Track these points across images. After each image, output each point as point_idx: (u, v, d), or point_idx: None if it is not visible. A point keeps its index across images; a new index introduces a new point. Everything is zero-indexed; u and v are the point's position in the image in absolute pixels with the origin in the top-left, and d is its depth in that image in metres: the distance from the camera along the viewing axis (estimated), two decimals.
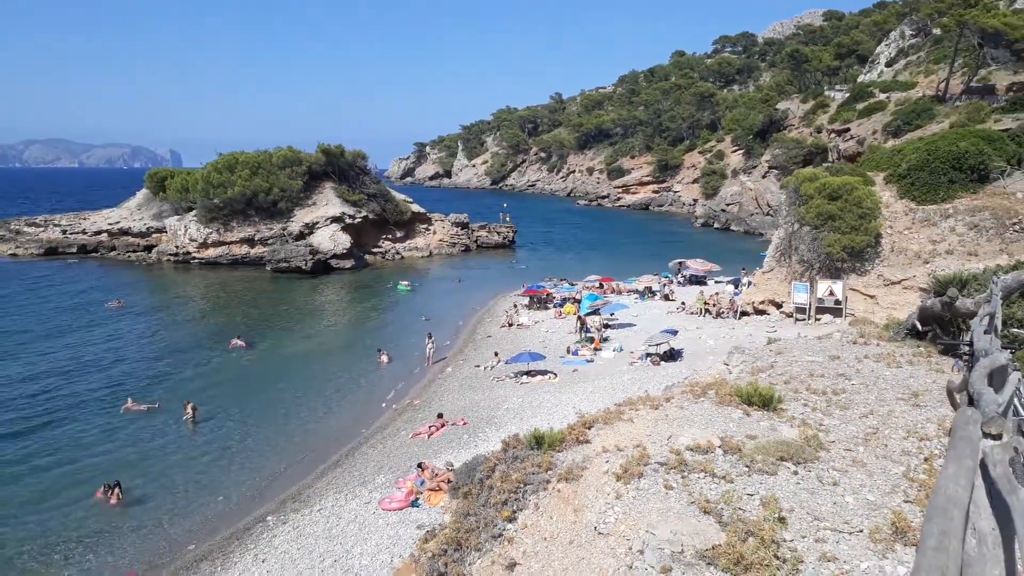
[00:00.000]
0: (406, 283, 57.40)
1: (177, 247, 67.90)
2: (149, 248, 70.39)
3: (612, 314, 41.00)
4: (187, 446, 25.38)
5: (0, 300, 49.45)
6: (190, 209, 69.48)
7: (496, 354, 34.31)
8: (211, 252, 67.00)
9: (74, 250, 71.23)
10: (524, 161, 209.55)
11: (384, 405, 29.55)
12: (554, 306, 45.77)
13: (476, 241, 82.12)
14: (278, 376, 33.46)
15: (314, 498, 20.59)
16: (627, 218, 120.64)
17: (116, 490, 20.74)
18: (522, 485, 9.39)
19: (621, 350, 34.31)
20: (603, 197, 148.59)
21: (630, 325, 39.56)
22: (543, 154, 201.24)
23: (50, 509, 20.52)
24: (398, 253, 74.67)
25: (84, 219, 78.18)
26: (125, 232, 72.75)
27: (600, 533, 8.03)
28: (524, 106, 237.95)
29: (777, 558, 7.01)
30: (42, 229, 77.04)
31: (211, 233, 67.19)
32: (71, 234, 74.38)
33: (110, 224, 74.09)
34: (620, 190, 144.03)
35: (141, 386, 31.37)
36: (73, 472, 22.94)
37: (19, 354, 36.31)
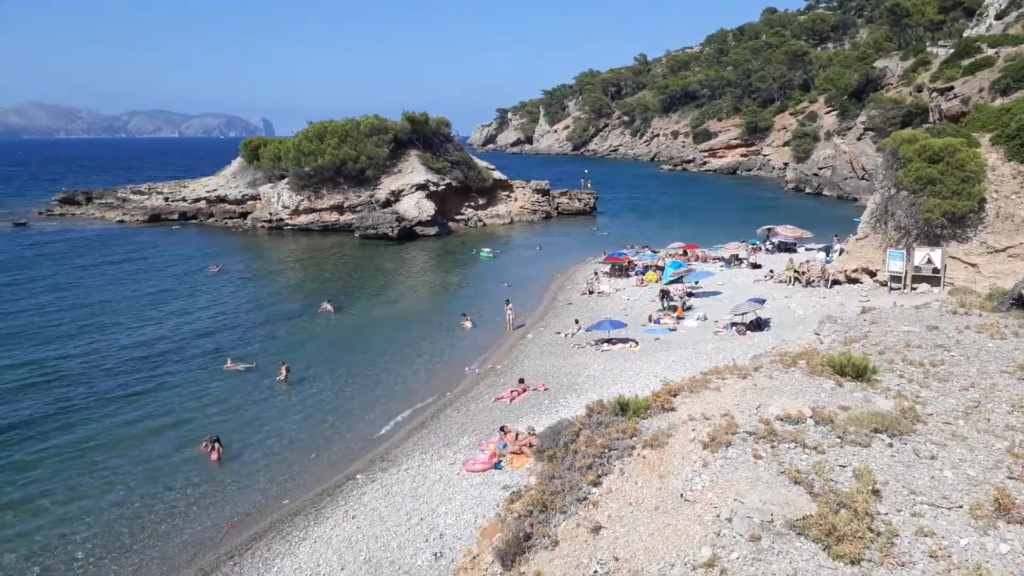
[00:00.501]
0: (488, 250, 57.89)
1: (271, 214, 70.42)
2: (244, 215, 73.30)
3: (696, 282, 40.29)
4: (281, 405, 26.59)
5: (110, 265, 52.60)
6: (282, 177, 71.76)
7: (576, 321, 34.33)
8: (303, 219, 69.20)
9: (175, 217, 74.90)
10: (607, 126, 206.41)
11: (467, 369, 30.09)
12: (636, 274, 45.30)
13: (557, 208, 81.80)
14: (366, 340, 34.50)
15: (401, 458, 21.27)
16: (713, 183, 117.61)
17: (217, 445, 21.95)
18: (607, 450, 9.46)
19: (705, 319, 33.76)
20: (688, 162, 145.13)
21: (715, 293, 38.82)
22: (626, 118, 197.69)
23: (157, 460, 21.92)
24: (480, 220, 75.18)
25: (184, 187, 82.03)
26: (222, 199, 75.92)
27: (686, 500, 8.04)
28: (607, 69, 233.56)
29: (871, 531, 6.87)
30: (146, 197, 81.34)
31: (302, 200, 69.33)
32: (173, 201, 78.25)
33: (208, 192, 77.46)
34: (706, 154, 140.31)
35: (239, 347, 32.93)
36: (177, 427, 24.40)
37: (129, 316, 38.68)
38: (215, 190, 77.40)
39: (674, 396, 10.80)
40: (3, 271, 49.71)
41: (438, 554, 15.76)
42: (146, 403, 26.39)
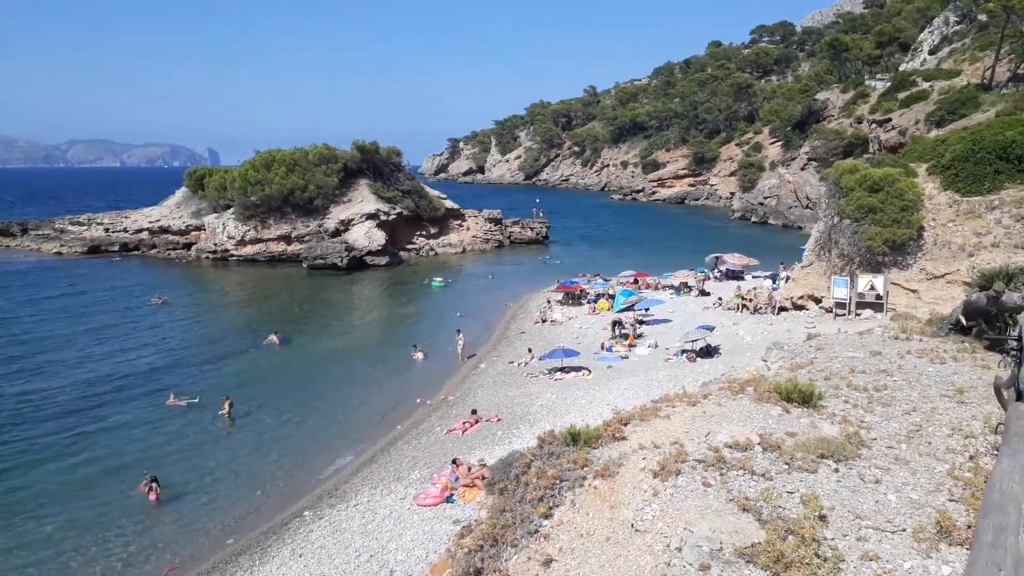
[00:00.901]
0: (440, 279, 57.65)
1: (216, 244, 69.03)
2: (188, 246, 71.65)
3: (647, 310, 40.70)
4: (226, 441, 25.82)
5: (46, 298, 50.71)
6: (228, 207, 70.52)
7: (530, 350, 34.29)
8: (249, 249, 67.99)
9: (116, 248, 72.80)
10: (558, 156, 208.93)
11: (419, 401, 29.70)
12: (588, 302, 45.57)
13: (509, 237, 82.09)
14: (314, 372, 33.84)
15: (350, 493, 20.79)
16: (662, 212, 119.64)
17: (155, 484, 21.13)
18: (558, 481, 9.34)
19: (656, 346, 34.05)
20: (638, 191, 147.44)
21: (665, 321, 39.23)
22: (577, 148, 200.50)
23: (92, 501, 21.01)
24: (432, 249, 74.95)
25: (125, 217, 79.81)
26: (165, 230, 74.10)
27: (637, 530, 7.96)
28: (558, 100, 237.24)
29: (818, 556, 6.88)
30: (85, 228, 78.84)
31: (249, 231, 68.19)
32: (113, 232, 76.03)
33: (151, 222, 75.52)
34: (655, 184, 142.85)
35: (183, 382, 31.96)
36: (116, 465, 23.45)
37: (65, 350, 37.25)
38: (158, 220, 75.49)
39: (625, 425, 10.77)
40: None
41: None
42: (85, 444, 25.29)
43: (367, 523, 18.62)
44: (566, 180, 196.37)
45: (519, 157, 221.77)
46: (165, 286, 55.84)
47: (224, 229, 69.00)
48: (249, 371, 34.24)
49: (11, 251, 74.25)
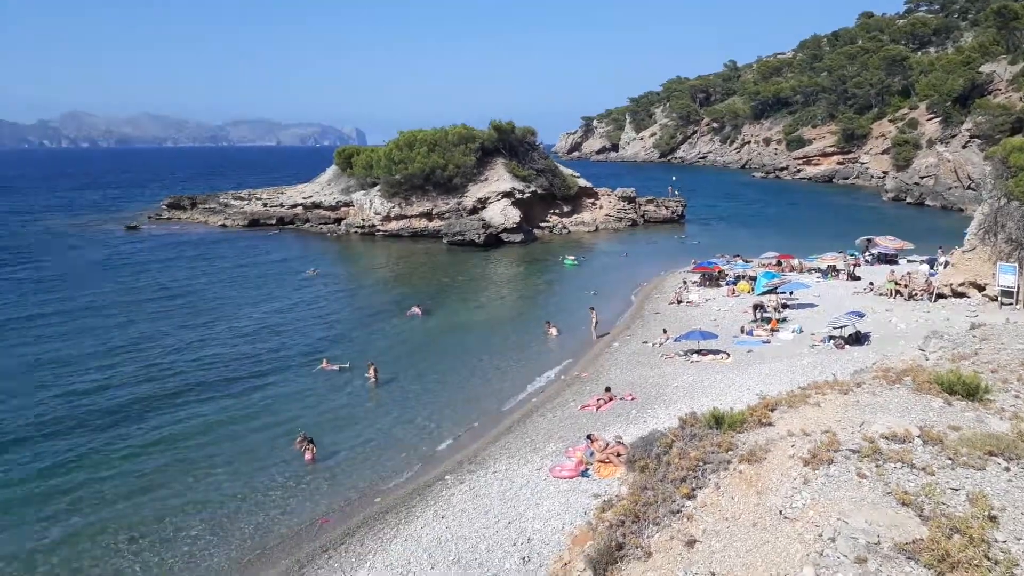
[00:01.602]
0: (572, 257, 57.87)
1: (363, 220, 72.53)
2: (338, 220, 75.74)
3: (791, 293, 39.17)
4: (372, 405, 27.35)
5: (213, 267, 55.32)
6: (374, 184, 73.80)
7: (665, 331, 33.93)
8: (393, 225, 70.96)
9: (273, 222, 78.07)
10: (695, 132, 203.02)
11: (553, 376, 30.18)
12: (727, 284, 44.37)
13: (643, 215, 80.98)
14: (453, 343, 35.10)
15: (489, 461, 21.53)
16: (808, 191, 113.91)
17: (311, 444, 22.72)
18: (701, 463, 9.38)
19: (801, 332, 32.77)
20: (781, 169, 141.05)
21: (811, 305, 37.63)
22: (715, 125, 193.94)
23: (256, 456, 22.84)
24: (565, 228, 75.23)
25: (281, 193, 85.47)
26: (317, 205, 78.68)
27: (786, 518, 7.90)
28: (696, 75, 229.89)
29: (988, 559, 6.59)
30: (246, 202, 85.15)
31: (393, 207, 71.10)
32: (271, 207, 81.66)
33: (304, 198, 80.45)
34: (800, 162, 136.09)
35: (334, 348, 34.04)
36: (276, 425, 25.36)
37: (230, 315, 40.61)
38: (311, 196, 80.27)
39: (771, 410, 10.60)
40: (115, 271, 53.04)
41: (526, 558, 15.89)
42: (246, 400, 27.59)
43: (505, 491, 19.27)
44: (703, 158, 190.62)
45: (654, 134, 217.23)
46: (318, 258, 59.49)
47: (371, 205, 72.30)
48: (393, 340, 35.98)
49: (183, 223, 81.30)
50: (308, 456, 22.44)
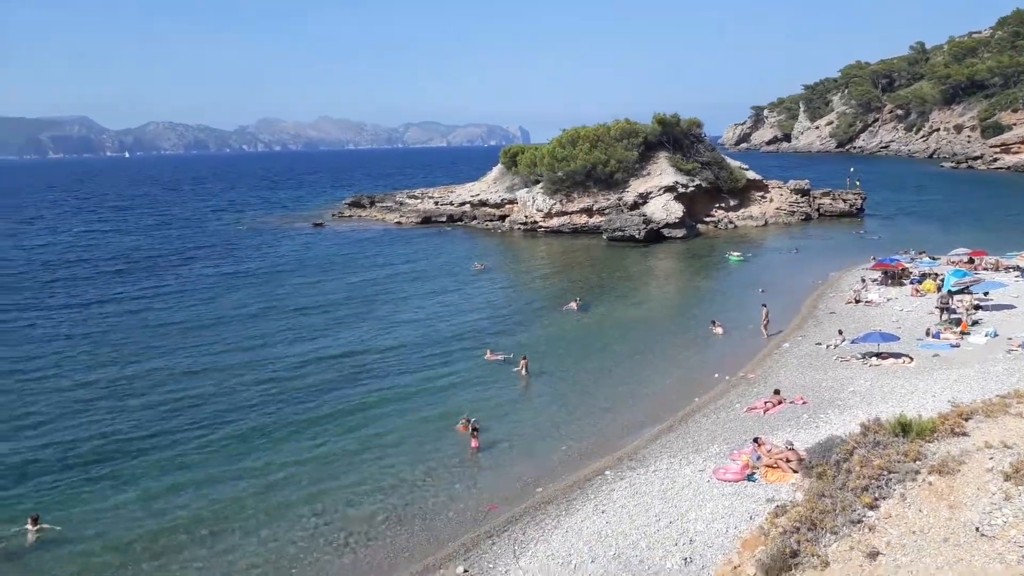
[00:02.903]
0: (738, 253, 55.87)
1: (526, 217, 73.99)
2: (503, 217, 77.81)
3: (985, 293, 35.67)
4: (533, 396, 27.92)
5: (390, 262, 58.62)
6: (537, 182, 75.05)
7: (840, 332, 32.01)
8: (554, 221, 71.82)
9: (444, 219, 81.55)
10: (876, 120, 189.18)
11: (717, 376, 29.35)
12: (910, 282, 41.13)
13: (818, 209, 76.69)
14: (612, 339, 35.04)
15: (649, 459, 21.34)
16: (1006, 182, 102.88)
17: (476, 432, 23.52)
18: (885, 472, 8.85)
19: (995, 336, 29.80)
20: (975, 158, 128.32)
21: (1008, 307, 34.13)
22: (899, 112, 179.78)
23: (422, 441, 23.93)
24: (731, 222, 72.75)
25: (451, 192, 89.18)
26: (484, 203, 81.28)
27: (983, 535, 7.30)
28: (877, 60, 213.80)
29: None
30: (419, 201, 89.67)
31: (555, 204, 71.95)
32: (441, 205, 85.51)
33: (472, 196, 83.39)
34: (997, 150, 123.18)
35: (497, 339, 35.03)
36: (442, 411, 26.40)
37: (404, 306, 42.98)
38: (478, 194, 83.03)
39: (966, 420, 9.79)
40: (304, 265, 57.52)
41: (688, 559, 15.64)
42: (417, 387, 29.00)
43: (666, 490, 19.04)
44: (885, 147, 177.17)
45: (830, 123, 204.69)
46: (484, 253, 61.52)
47: (533, 202, 73.60)
48: (551, 334, 36.52)
49: (363, 220, 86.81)
50: (474, 443, 23.26)
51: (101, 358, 33.06)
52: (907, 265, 44.01)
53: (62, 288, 49.64)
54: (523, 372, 29.83)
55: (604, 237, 66.20)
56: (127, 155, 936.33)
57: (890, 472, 8.85)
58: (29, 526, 18.54)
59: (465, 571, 16.29)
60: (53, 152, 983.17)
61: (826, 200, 77.74)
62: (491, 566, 16.41)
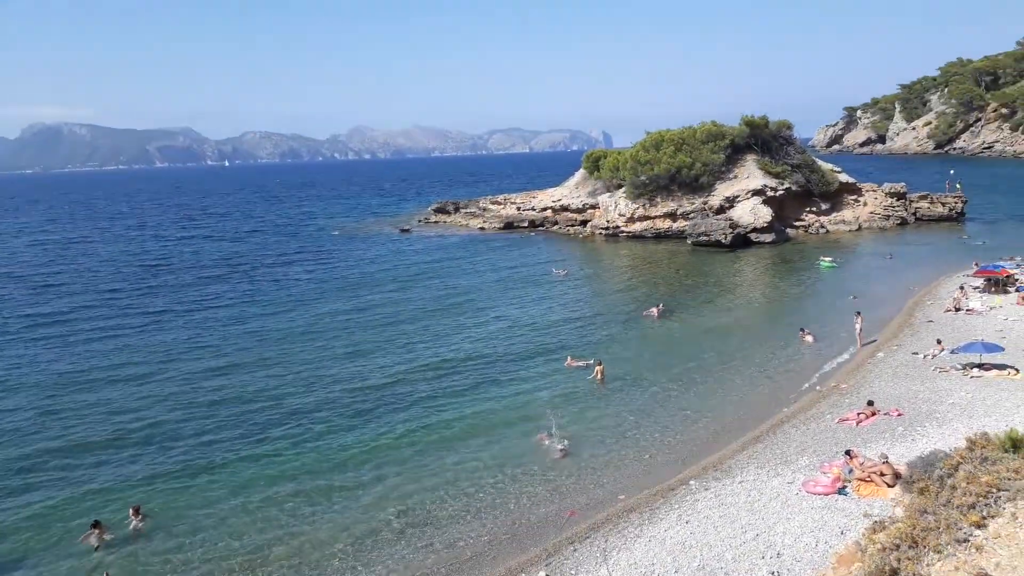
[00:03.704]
0: (829, 259, 53.92)
1: (608, 221, 73.54)
2: (584, 222, 77.65)
3: None
4: (614, 403, 27.63)
5: (473, 268, 59.41)
6: (619, 186, 74.51)
7: (939, 341, 30.48)
8: (637, 226, 71.09)
9: (525, 224, 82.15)
10: (978, 120, 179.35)
11: (807, 386, 28.43)
12: (1016, 290, 38.79)
13: (915, 213, 73.31)
14: (696, 346, 34.39)
15: (735, 469, 20.85)
16: None
17: (553, 438, 23.44)
18: (994, 490, 8.39)
19: None
20: None
21: None
22: (1005, 111, 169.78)
23: (505, 446, 24.08)
24: (823, 227, 70.34)
25: (533, 197, 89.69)
26: (565, 208, 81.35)
27: None
28: (981, 56, 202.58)
29: None
30: (502, 207, 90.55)
31: (637, 208, 71.23)
32: (523, 210, 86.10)
33: (553, 201, 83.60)
34: None
35: (579, 345, 34.92)
36: (523, 416, 26.50)
37: (487, 311, 43.42)
38: (559, 200, 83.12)
39: None
40: (392, 270, 58.87)
41: (775, 573, 15.18)
42: (499, 391, 29.24)
43: (753, 501, 18.56)
44: (989, 148, 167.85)
45: (928, 124, 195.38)
46: (566, 259, 61.52)
47: (616, 207, 73.08)
48: (636, 340, 36.22)
49: (447, 226, 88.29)
50: (559, 455, 23.04)
51: (201, 360, 34.66)
52: (1013, 272, 41.50)
53: (166, 292, 52.49)
54: (599, 378, 29.65)
55: (688, 242, 65.07)
56: (227, 164, 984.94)
57: (999, 490, 8.39)
58: (132, 515, 19.71)
59: None
60: (160, 161, 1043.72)
61: (924, 204, 74.22)
62: (573, 572, 16.39)
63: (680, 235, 67.38)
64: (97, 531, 18.95)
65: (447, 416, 26.75)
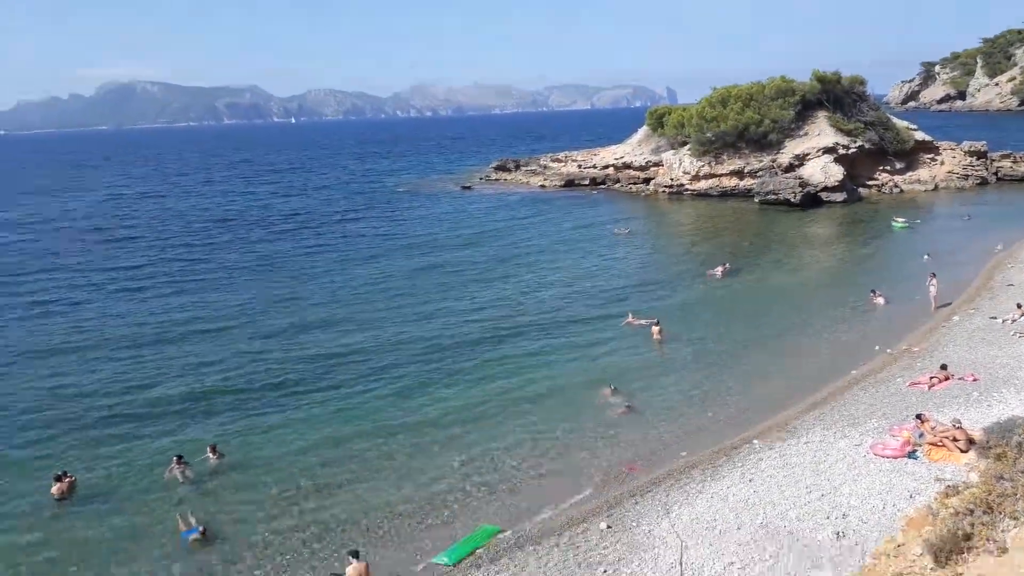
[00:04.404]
0: (902, 220, 52.11)
1: (672, 179, 72.37)
2: (647, 180, 76.55)
3: None
4: (675, 362, 27.65)
5: (534, 225, 59.46)
6: (684, 143, 73.07)
7: (1020, 306, 29.27)
8: (702, 184, 69.76)
9: (587, 182, 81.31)
10: None
11: (877, 348, 27.77)
12: None
13: (996, 173, 69.93)
14: (762, 306, 34.01)
15: (800, 430, 20.71)
16: None
17: (619, 393, 23.64)
18: None
19: None
20: None
21: None
22: None
23: (566, 400, 24.34)
24: (896, 186, 67.79)
25: (594, 155, 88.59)
26: (628, 166, 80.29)
27: None
28: None
29: None
30: (563, 164, 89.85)
31: (703, 166, 69.81)
32: (584, 168, 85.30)
33: (615, 159, 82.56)
34: None
35: (638, 304, 34.80)
36: (584, 371, 26.74)
37: (547, 269, 43.58)
38: (622, 157, 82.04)
39: None
40: (454, 227, 59.37)
41: (840, 533, 15.19)
42: (560, 347, 29.44)
43: (819, 462, 18.45)
44: None
45: (1012, 79, 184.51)
46: (628, 217, 61.03)
47: (680, 165, 71.79)
48: (699, 299, 36.01)
49: (507, 183, 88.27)
50: (622, 411, 23.28)
51: (273, 314, 35.69)
52: None
53: (239, 246, 54.18)
54: (656, 337, 29.61)
55: (755, 201, 63.56)
56: (293, 120, 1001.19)
57: None
58: (209, 454, 20.86)
59: (608, 527, 16.62)
60: (227, 118, 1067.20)
61: (1006, 163, 70.63)
62: (634, 524, 16.65)
63: (747, 194, 65.88)
64: (179, 466, 20.14)
65: (510, 370, 27.11)
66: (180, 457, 20.40)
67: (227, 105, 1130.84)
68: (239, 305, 37.31)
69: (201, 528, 17.28)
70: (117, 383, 27.07)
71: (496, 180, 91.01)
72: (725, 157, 69.31)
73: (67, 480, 19.39)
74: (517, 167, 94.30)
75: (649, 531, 16.27)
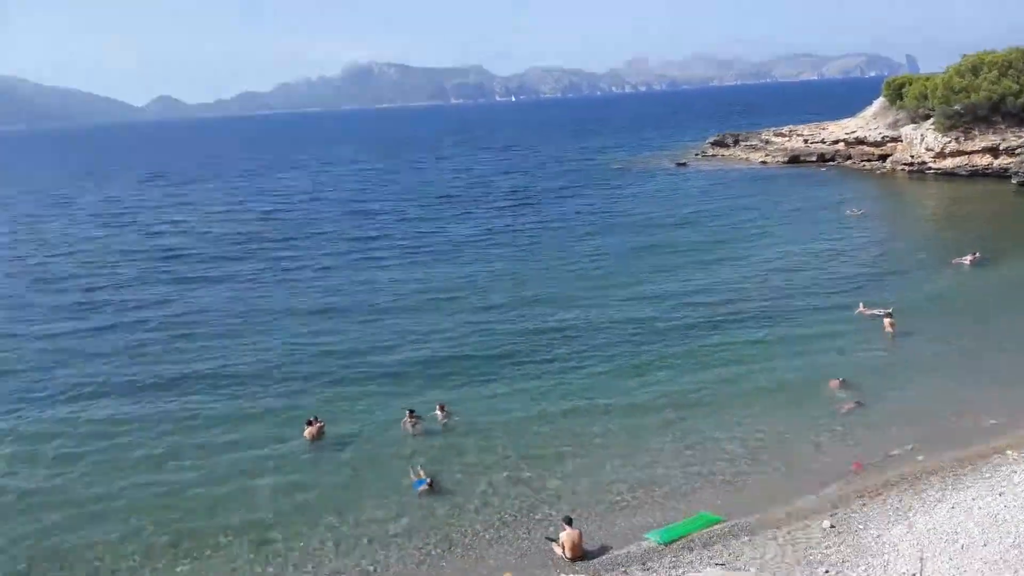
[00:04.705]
0: None
1: (912, 156, 66.08)
2: (883, 157, 70.50)
3: None
4: (910, 357, 25.68)
5: (755, 204, 57.05)
6: (927, 117, 66.41)
7: None
8: (948, 162, 62.94)
9: (813, 158, 76.55)
10: None
11: None
12: None
13: None
14: (1015, 303, 30.71)
15: None
16: None
17: (846, 390, 22.39)
18: None
19: None
20: None
21: None
22: None
23: (789, 391, 23.32)
24: None
25: (823, 129, 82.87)
26: (860, 141, 74.51)
27: None
28: None
29: None
30: (787, 139, 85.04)
31: (949, 142, 62.92)
32: (811, 143, 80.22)
33: (847, 134, 76.88)
34: None
35: (871, 293, 32.37)
36: (807, 362, 25.46)
37: (769, 251, 41.92)
38: (854, 132, 76.24)
39: None
40: (669, 205, 58.85)
41: None
42: (780, 335, 28.29)
43: None
44: None
45: None
46: (860, 197, 56.76)
47: (922, 140, 65.30)
48: (941, 291, 33.02)
49: (725, 160, 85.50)
50: (851, 404, 22.00)
51: (495, 284, 37.85)
52: None
53: (466, 219, 58.04)
54: (888, 330, 27.52)
55: (1013, 182, 56.16)
56: (513, 99, 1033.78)
57: None
58: (439, 412, 22.74)
59: (832, 526, 15.96)
60: (454, 99, 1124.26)
61: None
62: (861, 527, 15.85)
63: (1002, 174, 58.43)
64: (411, 419, 22.21)
65: (727, 358, 26.51)
66: (412, 411, 22.45)
67: (454, 86, 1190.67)
68: (465, 277, 39.83)
69: (429, 480, 18.90)
70: (362, 344, 30.10)
71: (713, 156, 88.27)
72: (976, 132, 61.92)
73: (317, 425, 22.04)
74: (736, 142, 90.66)
75: (878, 536, 15.43)
